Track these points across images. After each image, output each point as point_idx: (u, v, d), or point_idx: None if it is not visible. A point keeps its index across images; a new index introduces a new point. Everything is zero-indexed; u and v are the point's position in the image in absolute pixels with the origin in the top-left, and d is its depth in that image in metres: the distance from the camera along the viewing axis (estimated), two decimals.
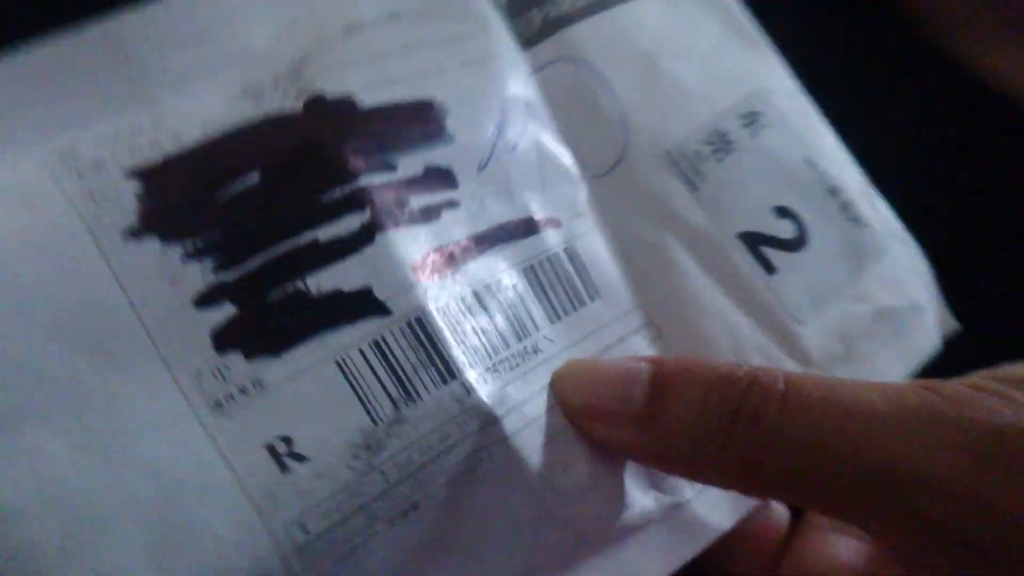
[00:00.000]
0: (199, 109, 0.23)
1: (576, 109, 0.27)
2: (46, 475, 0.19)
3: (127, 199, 0.21)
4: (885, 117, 0.41)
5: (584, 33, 0.28)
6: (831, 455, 0.21)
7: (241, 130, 0.23)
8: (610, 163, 0.27)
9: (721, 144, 0.28)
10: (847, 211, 0.29)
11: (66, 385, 0.20)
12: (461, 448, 0.22)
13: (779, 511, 0.28)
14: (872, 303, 0.28)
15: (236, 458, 0.21)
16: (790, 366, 0.27)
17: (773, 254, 0.27)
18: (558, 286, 0.25)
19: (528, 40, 0.28)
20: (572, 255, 0.26)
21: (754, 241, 0.28)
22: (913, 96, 0.43)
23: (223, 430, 0.21)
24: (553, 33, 0.28)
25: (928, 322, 0.29)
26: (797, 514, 0.28)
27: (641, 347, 0.26)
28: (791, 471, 0.21)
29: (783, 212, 0.28)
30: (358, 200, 0.23)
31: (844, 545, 0.26)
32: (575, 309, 0.25)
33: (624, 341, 0.26)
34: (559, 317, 0.25)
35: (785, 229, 0.28)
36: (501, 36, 0.27)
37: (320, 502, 0.21)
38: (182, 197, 0.22)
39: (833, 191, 0.29)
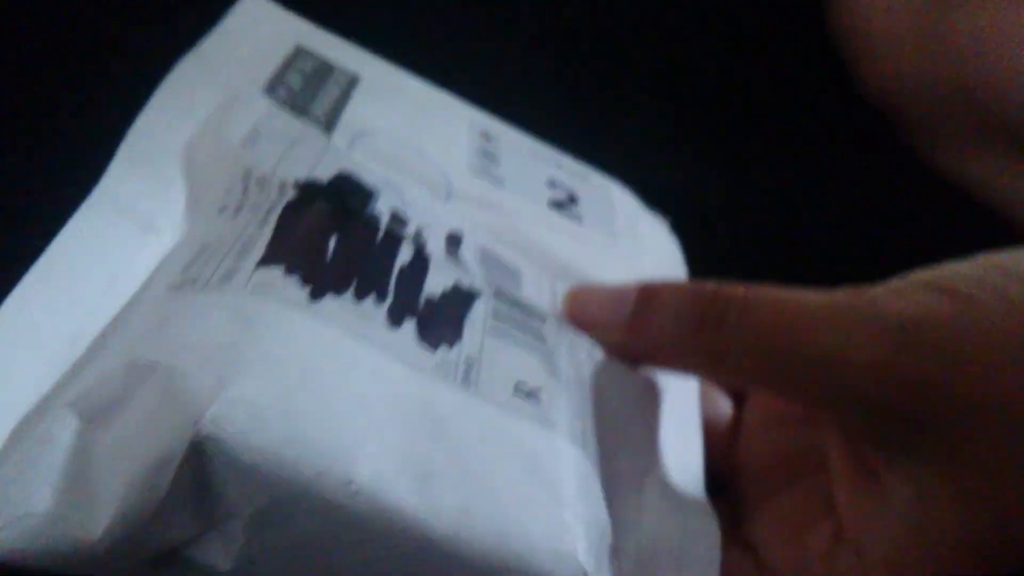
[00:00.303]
0: None
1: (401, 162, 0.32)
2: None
3: None
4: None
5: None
6: (779, 349, 0.26)
7: None
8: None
9: None
10: None
11: None
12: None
13: (723, 405, 0.32)
14: None
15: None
16: None
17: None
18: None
19: (324, 126, 0.32)
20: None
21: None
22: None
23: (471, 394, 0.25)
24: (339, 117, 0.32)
25: None
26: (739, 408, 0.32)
27: None
28: (749, 363, 0.27)
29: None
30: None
31: (781, 429, 0.31)
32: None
33: None
34: None
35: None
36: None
37: None
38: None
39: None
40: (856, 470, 0.27)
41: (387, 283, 0.26)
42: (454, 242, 0.30)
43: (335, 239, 0.26)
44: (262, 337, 0.22)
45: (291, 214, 0.26)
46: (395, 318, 0.25)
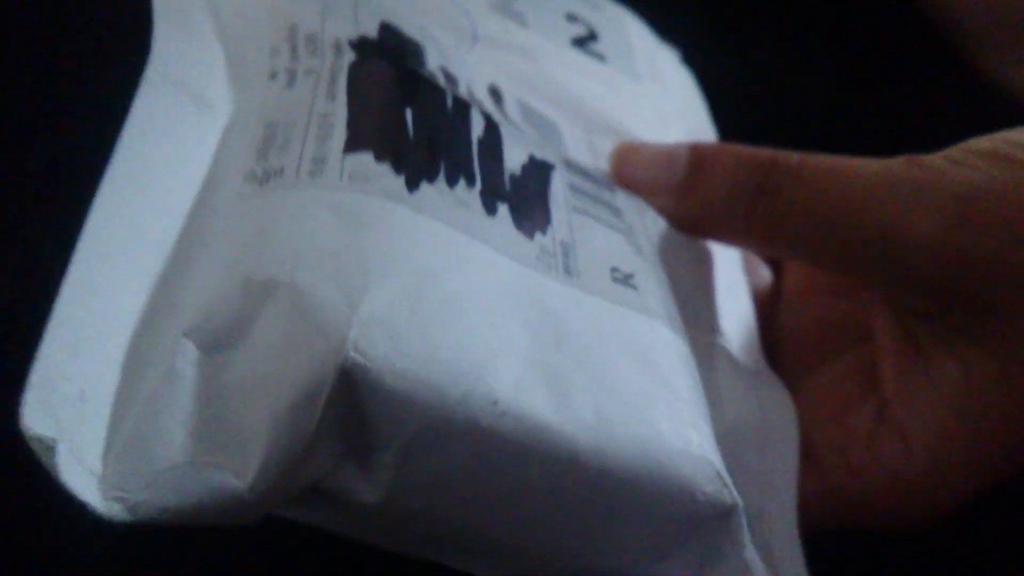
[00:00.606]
0: None
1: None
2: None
3: None
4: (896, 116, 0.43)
5: None
6: (834, 220, 0.25)
7: None
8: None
9: None
10: None
11: None
12: None
13: (763, 273, 0.31)
14: None
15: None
16: None
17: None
18: None
19: None
20: None
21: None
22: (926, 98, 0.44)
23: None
24: None
25: None
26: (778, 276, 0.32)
27: None
28: (803, 234, 0.26)
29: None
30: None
31: (823, 298, 0.30)
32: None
33: None
34: None
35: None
36: None
37: None
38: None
39: None
40: (903, 345, 0.26)
41: (471, 162, 0.24)
42: (495, 98, 0.28)
43: (410, 112, 0.24)
44: (377, 241, 0.20)
45: (357, 82, 0.24)
46: (489, 205, 0.23)
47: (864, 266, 0.26)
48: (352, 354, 0.18)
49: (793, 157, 0.26)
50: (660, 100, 0.34)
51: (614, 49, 0.34)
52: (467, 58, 0.29)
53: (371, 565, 0.26)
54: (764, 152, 0.27)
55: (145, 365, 0.19)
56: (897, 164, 0.25)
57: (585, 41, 0.34)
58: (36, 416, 0.18)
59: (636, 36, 0.36)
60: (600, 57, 0.34)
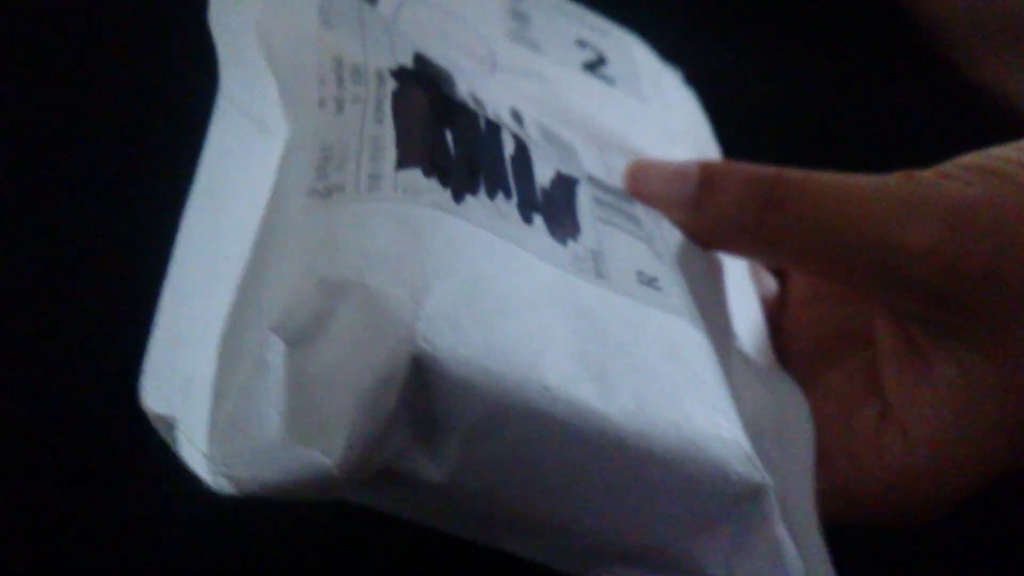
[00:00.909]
0: None
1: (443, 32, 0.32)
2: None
3: None
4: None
5: None
6: (835, 231, 0.27)
7: None
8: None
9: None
10: None
11: None
12: None
13: (768, 282, 0.33)
14: None
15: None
16: None
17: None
18: None
19: None
20: None
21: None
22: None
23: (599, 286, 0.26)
24: None
25: None
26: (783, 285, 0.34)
27: None
28: (807, 245, 0.28)
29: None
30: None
31: (826, 306, 0.32)
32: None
33: None
34: None
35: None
36: None
37: None
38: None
39: None
40: (903, 349, 0.28)
41: (507, 177, 0.26)
42: (517, 120, 0.30)
43: (450, 133, 0.26)
44: (434, 246, 0.23)
45: (401, 107, 0.26)
46: (526, 215, 0.26)
47: (864, 274, 0.27)
48: (421, 344, 0.20)
49: (796, 174, 0.28)
50: (666, 120, 0.36)
51: (622, 73, 0.37)
52: (489, 84, 0.31)
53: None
54: (769, 169, 0.28)
55: (237, 357, 0.22)
56: (893, 179, 0.27)
57: (595, 66, 0.36)
58: (154, 398, 0.20)
59: (641, 60, 0.38)
60: (610, 80, 0.36)
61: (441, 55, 0.30)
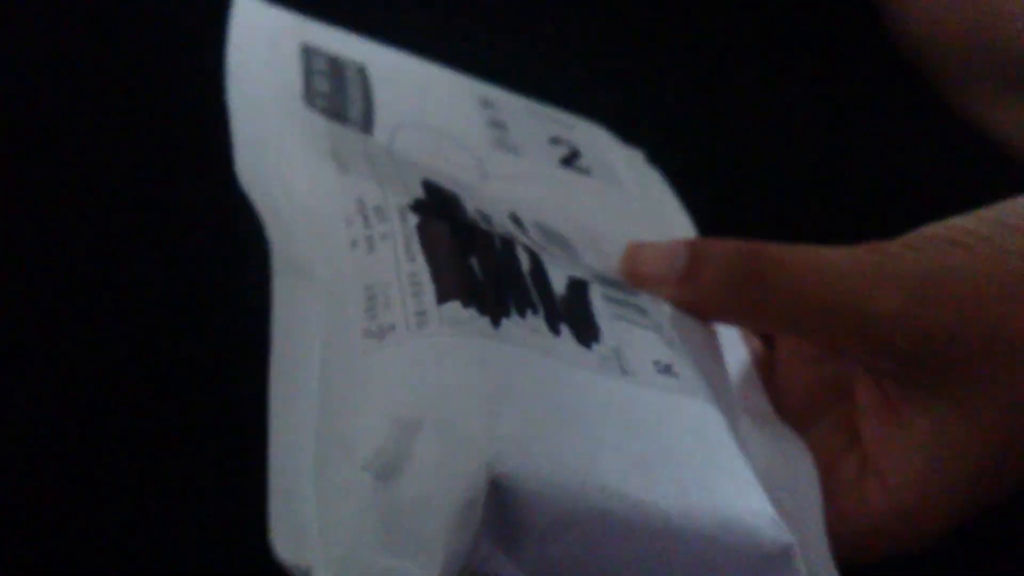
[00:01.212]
0: None
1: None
2: None
3: None
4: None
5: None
6: (812, 299, 0.30)
7: None
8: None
9: None
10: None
11: None
12: None
13: (756, 345, 0.36)
14: None
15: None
16: None
17: None
18: None
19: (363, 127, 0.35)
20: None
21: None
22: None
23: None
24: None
25: None
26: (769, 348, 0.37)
27: None
28: (787, 313, 0.31)
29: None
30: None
31: (809, 367, 0.34)
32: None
33: None
34: None
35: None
36: None
37: None
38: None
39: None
40: (880, 403, 0.31)
41: (529, 293, 0.29)
42: (517, 224, 0.33)
43: (475, 259, 0.29)
44: (488, 373, 0.26)
45: (427, 241, 0.29)
46: (553, 327, 0.28)
47: (841, 338, 0.30)
48: (497, 467, 0.23)
49: (773, 248, 0.31)
50: (642, 200, 0.40)
51: (596, 162, 0.40)
52: (484, 194, 0.34)
53: None
54: (749, 244, 0.31)
55: (333, 497, 0.24)
56: (862, 250, 0.30)
57: (571, 160, 0.39)
58: (285, 550, 0.23)
59: (608, 147, 0.42)
60: (586, 171, 0.39)
61: (439, 174, 0.33)
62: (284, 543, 0.24)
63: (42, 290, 0.38)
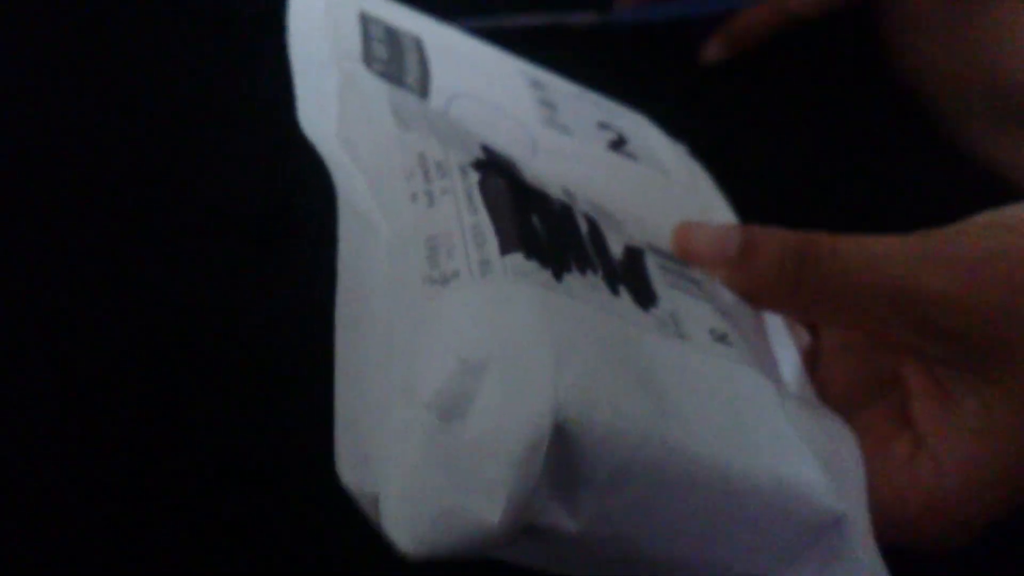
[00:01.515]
0: None
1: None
2: None
3: None
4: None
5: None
6: (864, 285, 0.30)
7: None
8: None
9: None
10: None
11: None
12: None
13: (802, 335, 0.36)
14: None
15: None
16: None
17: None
18: None
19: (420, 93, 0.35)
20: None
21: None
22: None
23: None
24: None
25: None
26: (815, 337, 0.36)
27: None
28: (839, 299, 0.31)
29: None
30: None
31: (856, 354, 0.34)
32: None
33: None
34: None
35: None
36: None
37: None
38: None
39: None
40: (931, 388, 0.31)
41: (589, 254, 0.29)
42: (569, 198, 0.33)
43: (535, 216, 0.29)
44: (552, 321, 0.25)
45: (489, 196, 0.29)
46: (612, 287, 0.28)
47: (891, 322, 0.30)
48: (561, 412, 0.23)
49: (825, 237, 0.31)
50: (688, 190, 0.40)
51: (642, 150, 0.40)
52: (537, 166, 0.34)
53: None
54: (801, 235, 0.32)
55: (397, 434, 0.24)
56: (912, 237, 0.31)
57: (618, 144, 0.39)
58: (351, 478, 0.23)
59: (654, 137, 0.42)
60: (633, 157, 0.39)
61: (494, 143, 0.33)
62: (350, 471, 0.24)
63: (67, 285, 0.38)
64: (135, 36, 0.48)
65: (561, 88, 0.40)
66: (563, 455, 0.23)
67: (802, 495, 0.26)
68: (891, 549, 0.30)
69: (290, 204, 0.40)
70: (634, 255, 0.31)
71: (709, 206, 0.40)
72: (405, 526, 0.23)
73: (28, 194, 0.41)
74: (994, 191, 0.49)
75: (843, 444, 0.31)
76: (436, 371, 0.24)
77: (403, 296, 0.27)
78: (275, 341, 0.40)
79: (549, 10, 0.54)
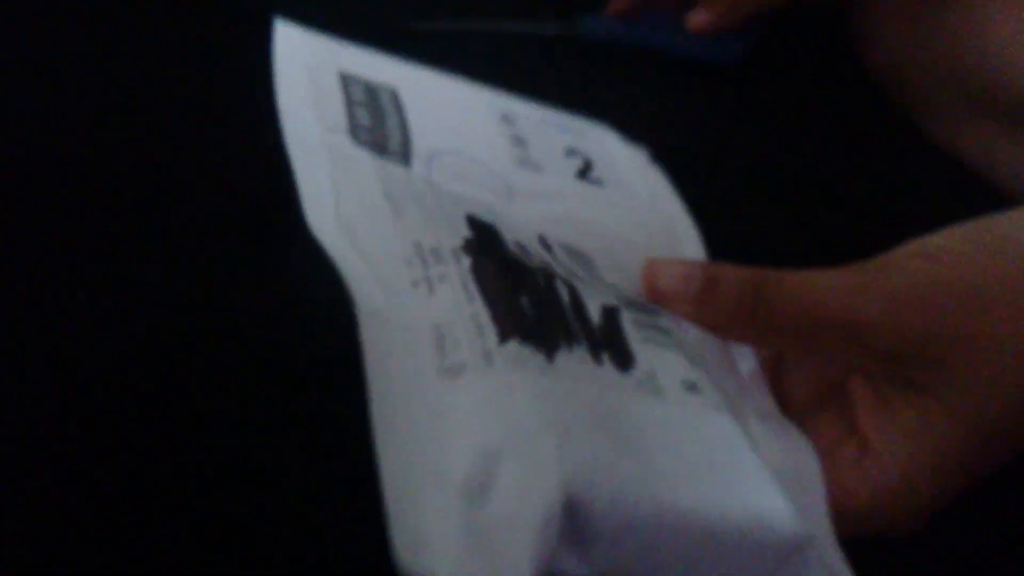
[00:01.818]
0: None
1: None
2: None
3: None
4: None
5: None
6: (809, 316, 0.34)
7: None
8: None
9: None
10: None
11: None
12: None
13: (764, 352, 0.40)
14: None
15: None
16: None
17: None
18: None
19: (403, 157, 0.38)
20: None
21: None
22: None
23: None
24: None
25: None
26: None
27: None
28: (789, 329, 0.35)
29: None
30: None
31: (811, 369, 0.39)
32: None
33: None
34: None
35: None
36: None
37: None
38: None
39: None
40: (874, 399, 0.35)
41: (572, 326, 0.32)
42: (546, 247, 0.36)
43: (524, 298, 0.32)
44: (550, 406, 0.29)
45: (482, 282, 0.32)
46: (596, 356, 0.32)
47: (836, 347, 0.35)
48: (567, 488, 0.27)
49: (773, 273, 0.35)
50: (650, 205, 0.43)
51: (607, 170, 0.43)
52: (512, 214, 0.38)
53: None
54: (754, 272, 0.35)
55: (436, 518, 0.27)
56: (847, 271, 0.34)
57: (585, 171, 0.43)
58: (408, 558, 0.26)
59: (616, 150, 0.45)
60: (599, 183, 0.43)
61: (476, 203, 0.36)
62: (406, 554, 0.27)
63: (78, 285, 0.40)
64: (135, 36, 0.49)
65: (530, 116, 0.44)
66: (574, 520, 0.28)
67: (769, 525, 0.30)
68: (850, 541, 0.34)
69: (290, 204, 0.41)
70: (610, 316, 0.34)
71: (670, 221, 0.43)
72: None
73: (27, 193, 0.42)
74: (974, 190, 0.49)
75: (803, 456, 0.35)
76: (460, 459, 0.28)
77: (420, 388, 0.30)
78: (275, 341, 0.40)
79: (519, 18, 0.56)
